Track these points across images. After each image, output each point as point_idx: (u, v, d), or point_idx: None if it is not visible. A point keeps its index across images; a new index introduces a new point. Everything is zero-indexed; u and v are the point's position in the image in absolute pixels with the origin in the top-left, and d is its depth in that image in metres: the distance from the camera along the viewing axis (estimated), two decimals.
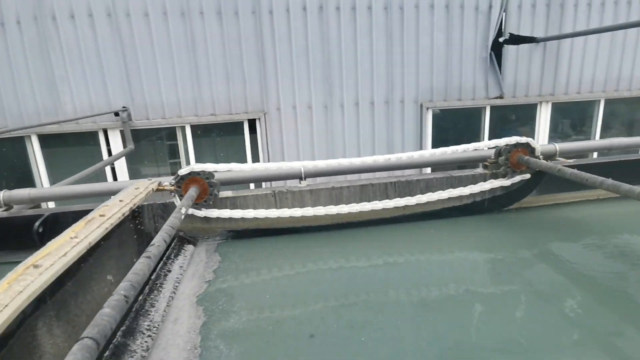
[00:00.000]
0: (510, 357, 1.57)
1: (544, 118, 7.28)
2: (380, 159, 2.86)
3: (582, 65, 7.10)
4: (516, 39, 6.77)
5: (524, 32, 6.77)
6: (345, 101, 6.52)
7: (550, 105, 7.23)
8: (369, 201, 2.78)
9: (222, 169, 2.67)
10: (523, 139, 2.81)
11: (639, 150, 4.46)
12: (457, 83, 6.75)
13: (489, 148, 2.99)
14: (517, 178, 2.64)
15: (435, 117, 6.94)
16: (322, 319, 1.85)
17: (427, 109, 6.75)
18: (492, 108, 7.06)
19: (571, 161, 3.21)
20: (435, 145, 6.79)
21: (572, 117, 7.76)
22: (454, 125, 7.21)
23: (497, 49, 6.81)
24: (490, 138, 7.17)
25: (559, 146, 3.32)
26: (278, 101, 6.45)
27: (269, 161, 6.72)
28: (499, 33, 6.75)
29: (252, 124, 6.58)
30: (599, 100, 7.40)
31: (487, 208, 3.00)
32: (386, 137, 6.74)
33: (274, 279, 2.28)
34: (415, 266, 2.44)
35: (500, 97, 6.93)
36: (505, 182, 2.61)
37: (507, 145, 2.81)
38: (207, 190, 2.49)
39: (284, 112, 6.50)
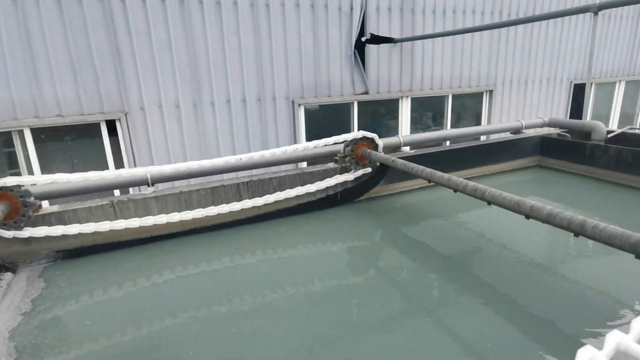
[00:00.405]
0: (379, 333, 1.68)
1: (405, 111, 8.06)
2: (232, 159, 2.79)
3: (433, 65, 8.03)
4: (376, 39, 7.32)
5: (383, 33, 7.37)
6: (216, 99, 6.29)
7: (409, 100, 8.03)
8: (221, 203, 2.69)
9: (43, 181, 2.31)
10: (367, 134, 3.01)
11: (481, 138, 5.14)
12: (326, 80, 7.04)
13: (337, 143, 3.13)
14: (360, 172, 2.83)
15: (308, 113, 7.15)
16: (164, 338, 1.71)
17: (299, 105, 6.91)
18: (360, 103, 7.55)
19: (412, 152, 3.55)
20: (310, 139, 6.99)
21: (429, 110, 8.74)
22: (326, 120, 7.53)
23: (360, 48, 7.28)
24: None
25: (402, 138, 3.66)
26: (141, 100, 5.92)
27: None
28: (361, 33, 7.22)
29: (112, 125, 5.93)
30: (448, 95, 8.48)
31: (341, 200, 3.16)
32: (260, 135, 6.72)
33: (110, 300, 2.06)
34: (277, 264, 2.44)
35: (366, 93, 7.45)
36: (349, 176, 2.78)
37: (352, 139, 2.98)
38: (19, 208, 2.12)
39: (149, 112, 6.00)
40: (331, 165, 3.13)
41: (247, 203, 2.65)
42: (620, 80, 11.09)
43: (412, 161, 3.51)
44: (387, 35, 7.40)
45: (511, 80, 9.12)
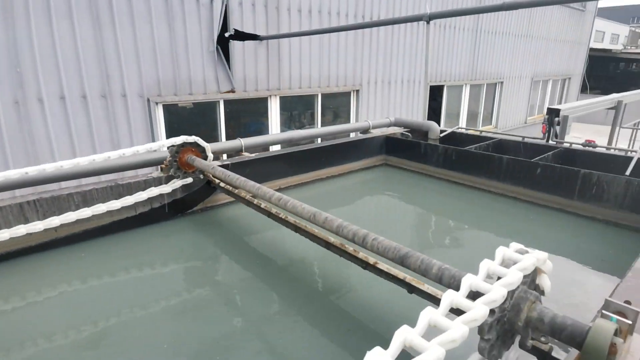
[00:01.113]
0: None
1: (274, 111, 7.95)
2: (13, 173, 2.24)
3: (301, 64, 8.07)
4: (241, 35, 7.04)
5: (248, 30, 7.11)
6: (45, 95, 5.30)
7: (278, 99, 7.95)
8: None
9: None
10: (188, 138, 2.72)
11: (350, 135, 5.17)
12: (186, 76, 6.52)
13: (160, 149, 2.78)
14: (178, 183, 2.53)
15: (170, 113, 6.54)
16: None
17: (157, 103, 6.28)
18: (227, 102, 7.20)
19: (253, 155, 3.36)
20: None
21: (300, 109, 8.81)
22: (191, 119, 7.01)
23: (224, 44, 6.91)
24: (227, 132, 7.33)
25: (244, 141, 3.44)
26: None
27: None
28: (224, 28, 6.86)
29: None
30: (317, 94, 8.64)
31: (170, 213, 2.81)
32: (109, 136, 5.91)
33: None
34: (84, 295, 2.02)
35: (232, 91, 7.13)
36: (165, 188, 2.46)
37: (176, 144, 2.66)
38: None
39: None
40: (155, 174, 2.76)
41: (37, 225, 2.15)
42: (465, 84, 12.73)
43: (257, 165, 3.33)
44: (252, 32, 7.17)
45: (376, 81, 9.71)
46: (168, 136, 6.55)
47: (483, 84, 13.52)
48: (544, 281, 1.11)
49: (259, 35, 7.22)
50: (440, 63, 11.49)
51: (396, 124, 4.76)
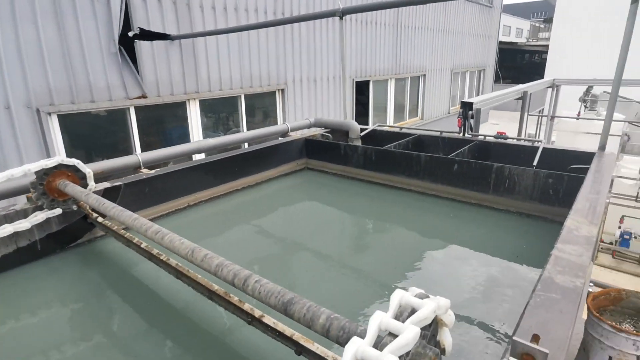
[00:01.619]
0: None
1: (194, 115, 7.42)
2: None
3: (220, 65, 7.61)
4: (148, 35, 6.43)
5: (156, 28, 6.52)
6: None
7: (197, 102, 7.43)
8: None
9: None
10: (65, 160, 2.27)
11: (242, 145, 4.87)
12: (85, 82, 5.80)
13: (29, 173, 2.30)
14: (41, 216, 2.08)
15: (69, 124, 5.78)
16: None
17: (49, 114, 5.50)
18: (138, 109, 6.55)
19: (153, 172, 2.96)
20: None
21: (223, 112, 8.34)
22: (95, 131, 6.28)
23: (128, 45, 6.26)
24: (144, 141, 6.69)
25: (141, 156, 3.03)
26: None
27: None
28: (127, 27, 6.21)
29: None
30: (240, 96, 8.23)
31: (46, 250, 2.34)
32: None
33: None
34: None
35: (143, 96, 6.50)
36: (22, 224, 1.99)
37: (44, 169, 2.19)
38: None
39: None
40: (20, 206, 2.27)
41: None
42: (390, 78, 13.02)
43: (158, 182, 2.93)
44: (160, 30, 6.58)
45: (301, 79, 9.51)
46: (69, 152, 5.79)
47: (407, 78, 13.94)
48: (445, 337, 0.93)
49: (169, 35, 6.65)
50: (365, 59, 11.60)
51: (316, 124, 4.57)
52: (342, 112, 11.05)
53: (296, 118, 9.52)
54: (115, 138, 6.49)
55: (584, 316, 2.02)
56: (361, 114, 13.05)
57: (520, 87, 5.39)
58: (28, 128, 5.34)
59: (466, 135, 3.78)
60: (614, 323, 1.84)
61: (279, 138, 4.29)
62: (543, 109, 7.85)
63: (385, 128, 4.37)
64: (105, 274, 2.24)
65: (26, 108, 5.31)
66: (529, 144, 3.49)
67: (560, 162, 3.32)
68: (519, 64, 35.68)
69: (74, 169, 2.28)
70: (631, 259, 6.82)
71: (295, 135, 4.23)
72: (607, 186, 2.44)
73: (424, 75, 14.71)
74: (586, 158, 3.14)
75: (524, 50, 32.45)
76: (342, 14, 4.32)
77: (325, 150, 3.96)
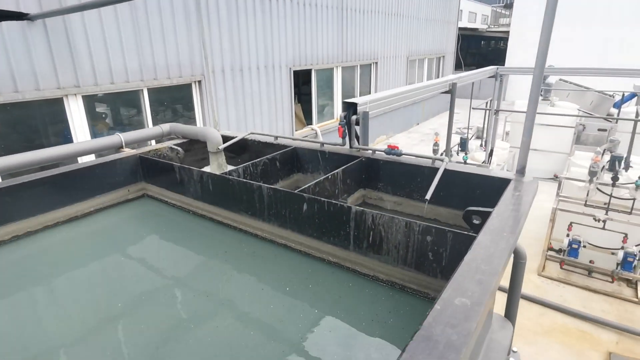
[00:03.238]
0: None
1: (77, 115, 6.11)
2: None
3: (108, 52, 6.29)
4: None
5: (6, 5, 5.15)
6: None
7: (80, 99, 6.11)
8: None
9: None
10: None
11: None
12: None
13: None
14: None
15: None
16: None
17: None
18: None
19: None
20: None
21: (123, 108, 7.05)
22: None
23: None
24: (3, 147, 5.36)
25: None
26: None
27: None
28: None
29: None
30: (142, 90, 6.94)
31: None
32: None
33: None
34: None
35: None
36: None
37: None
38: None
39: None
40: None
41: None
42: (336, 66, 11.92)
43: None
44: (13, 8, 5.21)
45: (223, 69, 8.28)
46: None
47: (356, 66, 12.88)
48: None
49: (26, 14, 5.28)
50: (305, 45, 10.44)
51: (173, 132, 3.43)
52: (279, 104, 9.91)
53: (217, 114, 8.30)
54: None
55: None
56: (306, 107, 11.94)
57: (449, 77, 4.44)
58: None
59: (353, 147, 2.74)
60: None
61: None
62: (490, 101, 6.98)
63: (258, 137, 3.28)
64: None
65: None
66: (429, 162, 2.48)
67: (469, 192, 2.34)
68: (485, 50, 35.33)
69: None
70: (580, 270, 6.09)
71: (129, 151, 3.07)
72: (509, 248, 1.46)
73: (376, 63, 13.69)
74: (500, 186, 2.16)
75: (490, 37, 31.99)
76: None
77: (161, 171, 2.84)
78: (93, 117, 6.48)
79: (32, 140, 5.88)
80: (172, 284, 2.05)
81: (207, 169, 3.26)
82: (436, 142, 6.63)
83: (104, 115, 6.87)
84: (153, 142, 3.78)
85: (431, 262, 1.71)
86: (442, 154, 6.05)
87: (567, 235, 6.09)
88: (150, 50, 6.87)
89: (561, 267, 6.22)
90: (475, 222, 1.91)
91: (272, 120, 9.82)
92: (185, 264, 2.22)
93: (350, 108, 2.74)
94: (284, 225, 2.20)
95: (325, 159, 2.86)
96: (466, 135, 7.32)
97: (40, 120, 5.97)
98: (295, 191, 2.08)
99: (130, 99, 7.00)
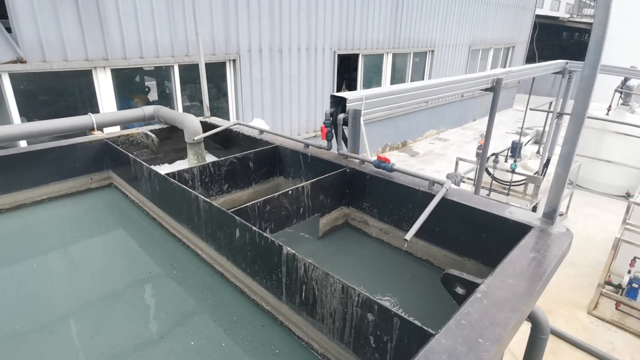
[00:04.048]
0: None
1: (105, 88, 6.06)
2: None
3: (139, 25, 6.13)
4: None
5: None
6: None
7: (109, 72, 6.04)
8: None
9: None
10: None
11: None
12: None
13: None
14: None
15: None
16: None
17: None
18: (17, 78, 5.25)
19: None
20: None
21: (152, 83, 6.96)
22: None
23: None
24: (26, 117, 5.42)
25: None
26: None
27: None
28: None
29: None
30: (173, 66, 6.76)
31: None
32: None
33: None
34: None
35: (20, 61, 5.17)
36: None
37: None
38: None
39: None
40: None
41: None
42: (387, 52, 11.09)
43: None
44: None
45: (260, 48, 7.89)
46: None
47: (410, 53, 11.94)
48: None
49: None
50: (352, 27, 9.75)
51: (156, 116, 3.09)
52: (320, 91, 9.41)
53: (253, 95, 7.98)
54: None
55: None
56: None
57: (493, 72, 3.62)
58: None
59: (340, 152, 2.22)
60: None
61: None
62: (554, 102, 5.91)
63: (244, 129, 2.84)
64: None
65: None
66: (426, 185, 1.89)
67: (473, 233, 1.75)
68: (567, 42, 31.87)
69: None
70: (637, 314, 5.05)
71: (97, 135, 2.77)
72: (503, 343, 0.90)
73: (432, 51, 12.62)
74: (516, 232, 1.57)
75: (572, 28, 28.72)
76: None
77: (122, 161, 2.51)
78: (121, 91, 6.42)
79: (58, 111, 5.93)
80: (96, 299, 1.69)
81: (184, 162, 2.88)
82: (480, 145, 5.79)
83: (147, 89, 6.86)
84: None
85: (373, 349, 1.17)
86: (454, 173, 5.19)
87: (629, 272, 5.07)
88: (183, 25, 6.64)
89: (616, 308, 5.22)
90: (459, 291, 1.33)
91: (310, 105, 9.34)
92: (121, 274, 1.86)
93: (338, 104, 2.19)
94: (219, 250, 1.75)
95: (307, 163, 2.35)
96: (519, 139, 6.35)
97: (68, 91, 5.99)
98: (229, 211, 1.61)
99: (159, 75, 6.86)
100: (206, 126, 2.98)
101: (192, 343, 1.45)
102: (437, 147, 12.97)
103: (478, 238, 1.69)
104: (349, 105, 2.11)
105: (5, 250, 2.02)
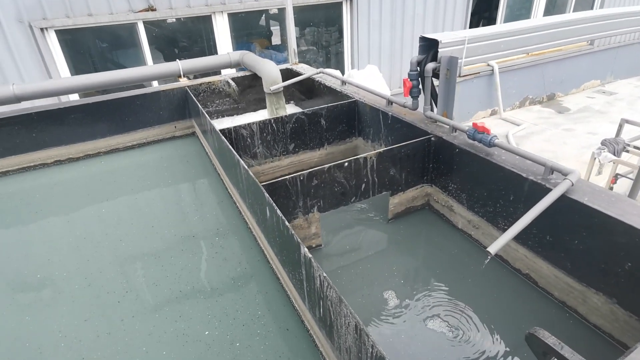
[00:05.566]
0: None
1: (222, 33, 6.22)
2: None
3: None
4: None
5: None
6: None
7: (226, 16, 6.14)
8: None
9: None
10: None
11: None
12: None
13: None
14: None
15: (70, 41, 5.36)
16: None
17: (43, 29, 5.09)
18: (149, 25, 5.70)
19: None
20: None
21: (251, 28, 6.91)
22: (100, 50, 5.75)
23: None
24: (156, 62, 5.93)
25: None
26: None
27: None
28: None
29: None
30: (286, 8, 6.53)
31: None
32: None
33: None
34: None
35: (151, 9, 5.55)
36: None
37: None
38: None
39: None
40: None
41: None
42: None
43: None
44: None
45: None
46: (71, 71, 5.46)
47: None
48: None
49: None
50: None
51: (242, 63, 2.95)
52: (447, 26, 8.21)
53: (370, 40, 7.34)
54: (126, 60, 5.89)
55: None
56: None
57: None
58: (23, 45, 5.07)
59: (426, 114, 1.73)
60: None
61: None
62: None
63: (327, 79, 2.49)
64: None
65: (18, 23, 4.97)
66: (539, 172, 1.30)
67: (604, 253, 1.16)
68: None
69: None
70: None
71: (181, 82, 2.76)
72: None
73: None
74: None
75: None
76: None
77: (198, 112, 2.44)
78: (239, 35, 6.52)
79: (183, 55, 6.33)
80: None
81: (264, 112, 2.70)
82: None
83: (268, 33, 6.93)
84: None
85: None
86: (615, 139, 3.73)
87: None
88: None
89: None
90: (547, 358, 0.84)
91: None
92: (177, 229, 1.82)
93: (429, 49, 1.64)
94: (260, 225, 1.51)
95: (388, 125, 1.89)
96: None
97: (190, 37, 6.32)
98: (262, 183, 1.32)
99: (275, 18, 6.74)
100: (290, 74, 2.69)
101: (207, 333, 1.28)
102: (597, 102, 10.46)
103: (617, 265, 1.09)
104: (442, 51, 1.55)
105: (85, 192, 2.14)
